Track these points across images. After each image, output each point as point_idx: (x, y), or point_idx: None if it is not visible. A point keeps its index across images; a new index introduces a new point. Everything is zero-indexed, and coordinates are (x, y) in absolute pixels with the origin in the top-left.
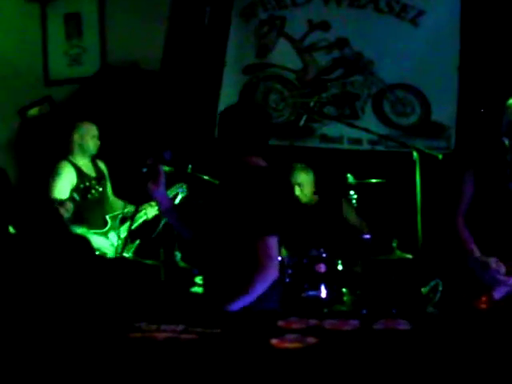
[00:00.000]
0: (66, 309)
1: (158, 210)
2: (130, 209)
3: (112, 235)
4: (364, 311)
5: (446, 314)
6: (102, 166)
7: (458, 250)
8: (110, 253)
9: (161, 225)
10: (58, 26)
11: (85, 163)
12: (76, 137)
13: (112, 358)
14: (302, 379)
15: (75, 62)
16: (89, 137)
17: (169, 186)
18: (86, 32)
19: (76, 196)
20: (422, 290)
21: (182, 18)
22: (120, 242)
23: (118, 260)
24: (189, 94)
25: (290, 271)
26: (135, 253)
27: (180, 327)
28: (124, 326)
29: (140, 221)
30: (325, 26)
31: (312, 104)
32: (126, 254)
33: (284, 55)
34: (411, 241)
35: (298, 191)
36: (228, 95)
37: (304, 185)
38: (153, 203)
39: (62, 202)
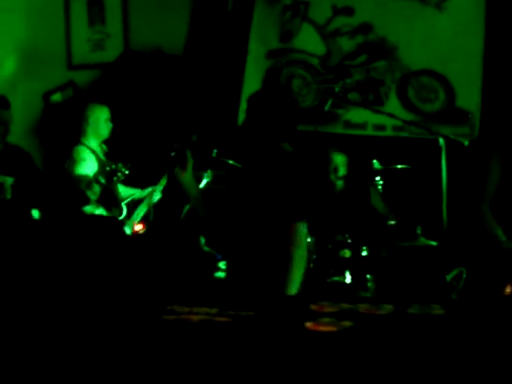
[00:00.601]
0: (96, 292)
1: (187, 195)
2: (143, 193)
3: (128, 223)
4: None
5: (472, 300)
6: (105, 149)
7: (483, 236)
8: None
9: (185, 210)
10: (81, 12)
11: (96, 146)
12: (90, 120)
13: (147, 340)
14: (338, 362)
15: (98, 48)
16: (102, 120)
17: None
18: (108, 18)
19: (101, 179)
20: (446, 277)
21: (205, 2)
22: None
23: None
24: (212, 79)
25: (314, 256)
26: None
27: (213, 310)
28: (157, 308)
29: (147, 206)
30: (349, 11)
31: (337, 89)
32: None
33: (308, 40)
34: (436, 227)
35: (333, 177)
36: (251, 80)
37: (340, 167)
38: (156, 187)
39: (89, 184)
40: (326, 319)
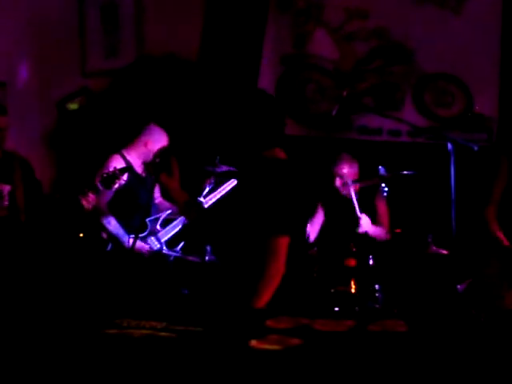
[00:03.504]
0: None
1: (176, 200)
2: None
3: (151, 240)
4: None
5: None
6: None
7: (488, 241)
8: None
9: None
10: (94, 18)
11: (138, 163)
12: (147, 142)
13: (85, 353)
14: (279, 382)
15: (112, 53)
16: (159, 147)
17: None
18: (122, 23)
19: (100, 185)
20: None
21: (219, 7)
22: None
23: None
24: (226, 84)
25: (319, 266)
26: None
27: (161, 324)
28: (102, 321)
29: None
30: (363, 14)
31: (345, 94)
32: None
33: (322, 45)
34: (446, 235)
35: (337, 182)
36: (265, 86)
37: (345, 177)
38: None
39: (83, 194)
40: (274, 336)
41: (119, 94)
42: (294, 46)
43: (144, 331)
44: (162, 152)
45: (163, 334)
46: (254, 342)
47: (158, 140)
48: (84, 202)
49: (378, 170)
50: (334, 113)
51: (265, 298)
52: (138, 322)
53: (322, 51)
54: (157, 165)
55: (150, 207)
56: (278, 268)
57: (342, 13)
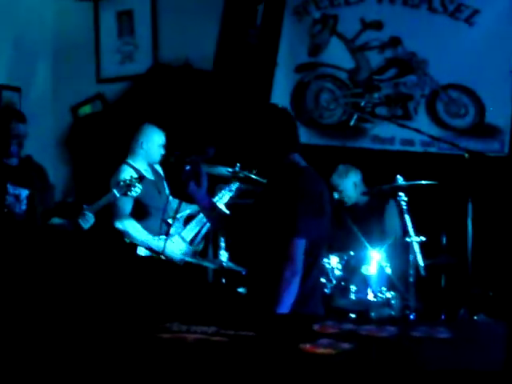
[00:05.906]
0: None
1: (201, 209)
2: (193, 208)
3: (175, 239)
4: (412, 316)
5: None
6: (158, 168)
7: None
8: (178, 256)
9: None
10: (110, 23)
11: (144, 167)
12: (142, 141)
13: (140, 357)
14: None
15: (127, 60)
16: (156, 145)
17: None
18: (138, 29)
19: (116, 192)
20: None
21: (235, 17)
22: (185, 245)
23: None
24: (240, 93)
25: (336, 273)
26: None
27: (211, 329)
28: (154, 326)
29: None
30: (378, 25)
31: (363, 103)
32: (190, 259)
33: (336, 54)
34: (461, 244)
35: (336, 195)
36: (279, 95)
37: (342, 190)
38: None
39: (82, 213)
40: (325, 341)
41: (134, 101)
42: (308, 55)
43: (197, 336)
44: (190, 160)
45: (216, 338)
46: (306, 346)
47: (152, 139)
48: (81, 221)
49: (395, 179)
50: (352, 122)
51: (286, 303)
52: (188, 327)
53: (337, 61)
54: (186, 173)
55: (166, 208)
56: (294, 271)
57: (357, 22)
